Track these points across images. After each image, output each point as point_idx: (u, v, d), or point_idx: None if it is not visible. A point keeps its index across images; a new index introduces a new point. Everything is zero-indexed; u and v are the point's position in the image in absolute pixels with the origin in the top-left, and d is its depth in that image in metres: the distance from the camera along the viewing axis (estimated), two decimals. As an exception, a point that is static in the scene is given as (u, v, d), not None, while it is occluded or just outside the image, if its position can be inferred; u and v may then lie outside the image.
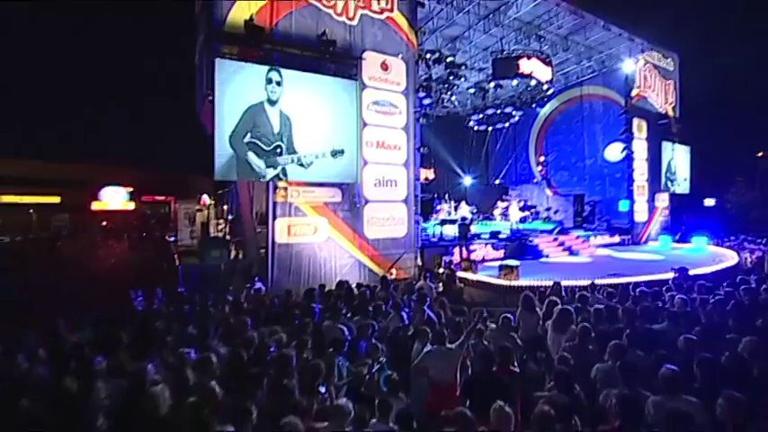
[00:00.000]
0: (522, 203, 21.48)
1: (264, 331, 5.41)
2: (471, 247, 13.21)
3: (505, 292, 9.57)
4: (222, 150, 9.11)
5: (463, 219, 13.49)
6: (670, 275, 9.46)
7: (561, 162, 22.10)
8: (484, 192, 23.99)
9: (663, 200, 20.50)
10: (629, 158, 18.74)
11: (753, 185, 40.88)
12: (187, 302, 7.07)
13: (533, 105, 21.20)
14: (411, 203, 12.07)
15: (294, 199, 10.28)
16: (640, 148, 19.21)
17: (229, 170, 9.30)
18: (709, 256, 14.51)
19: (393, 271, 11.58)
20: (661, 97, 20.47)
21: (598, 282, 8.55)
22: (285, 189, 10.17)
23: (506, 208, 20.82)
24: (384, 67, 11.60)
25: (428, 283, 8.76)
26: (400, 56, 11.82)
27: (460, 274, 10.91)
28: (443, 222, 14.85)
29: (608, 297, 6.59)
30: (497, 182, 24.88)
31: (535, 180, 23.17)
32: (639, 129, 19.24)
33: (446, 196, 21.29)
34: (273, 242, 10.07)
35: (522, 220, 19.71)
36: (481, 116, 21.43)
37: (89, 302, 8.25)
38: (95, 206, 35.24)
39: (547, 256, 13.91)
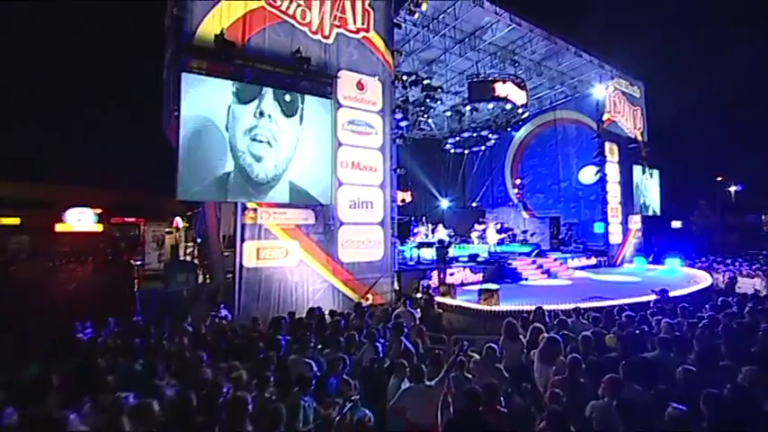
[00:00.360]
0: (499, 226, 21.44)
1: (223, 367, 4.83)
2: (449, 271, 12.85)
3: (486, 318, 9.18)
4: (186, 169, 8.56)
5: (441, 241, 13.17)
6: (651, 298, 9.30)
7: (537, 185, 22.31)
8: (461, 215, 23.91)
9: (636, 222, 20.82)
10: (602, 181, 19.03)
11: (714, 209, 42.60)
12: (140, 334, 6.37)
13: (509, 129, 21.47)
14: (387, 226, 11.69)
15: (264, 221, 9.75)
16: (613, 171, 19.57)
17: (193, 190, 8.74)
18: (683, 277, 14.59)
19: (369, 296, 11.08)
20: (630, 122, 21.08)
21: (582, 306, 8.27)
22: (254, 210, 9.64)
23: (484, 231, 20.71)
24: (360, 86, 11.39)
25: (408, 310, 8.30)
26: (377, 77, 11.67)
27: (439, 299, 10.48)
28: (421, 245, 14.51)
29: (593, 322, 6.28)
30: (474, 205, 24.90)
31: (511, 203, 23.29)
32: (611, 152, 19.65)
33: (423, 219, 21.08)
34: (241, 266, 9.45)
35: (500, 242, 19.59)
36: (458, 139, 21.52)
37: (39, 332, 7.41)
38: (59, 228, 33.45)
39: (526, 279, 13.68)
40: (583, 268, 17.31)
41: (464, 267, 13.33)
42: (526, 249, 19.97)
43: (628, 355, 4.75)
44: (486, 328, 9.09)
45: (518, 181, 22.92)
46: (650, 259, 19.17)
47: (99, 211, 35.18)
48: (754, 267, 16.62)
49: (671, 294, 9.59)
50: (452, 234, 20.58)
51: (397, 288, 11.78)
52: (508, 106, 19.06)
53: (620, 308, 6.88)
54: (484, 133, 20.99)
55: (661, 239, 25.06)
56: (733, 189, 42.85)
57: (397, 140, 12.17)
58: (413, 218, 20.77)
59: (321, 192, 10.29)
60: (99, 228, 35.50)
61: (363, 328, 6.57)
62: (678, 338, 5.10)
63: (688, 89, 33.76)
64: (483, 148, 22.70)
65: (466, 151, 23.13)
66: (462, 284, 13.01)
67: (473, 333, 9.13)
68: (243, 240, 9.49)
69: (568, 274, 15.35)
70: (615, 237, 19.44)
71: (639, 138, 21.54)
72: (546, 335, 5.34)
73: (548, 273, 14.66)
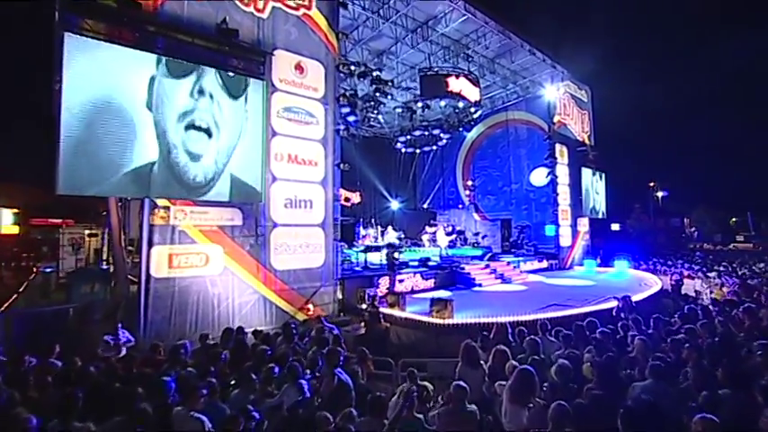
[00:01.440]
0: (450, 228, 20.73)
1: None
2: (399, 278, 11.74)
3: (438, 332, 8.12)
4: (72, 156, 6.79)
5: (390, 245, 12.05)
6: (612, 304, 8.66)
7: (488, 186, 21.86)
8: (412, 216, 23.00)
9: (584, 224, 20.89)
10: (553, 183, 18.83)
11: (647, 212, 45.17)
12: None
13: (460, 129, 20.82)
14: (329, 228, 10.37)
15: (179, 221, 8.10)
16: (563, 173, 19.46)
17: (87, 183, 6.99)
18: (633, 280, 14.47)
19: (310, 306, 9.71)
20: (578, 126, 21.16)
21: (543, 316, 7.42)
22: (166, 209, 7.98)
23: (434, 233, 19.90)
24: (299, 69, 10.01)
25: (326, 327, 7.03)
26: (319, 61, 10.34)
27: (386, 310, 9.31)
28: (368, 249, 13.29)
29: (564, 341, 5.34)
30: (425, 206, 24.10)
31: (462, 205, 22.72)
32: (561, 154, 19.54)
33: (372, 221, 19.93)
34: (149, 276, 7.76)
35: (451, 245, 18.85)
36: (409, 138, 20.59)
37: None
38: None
39: (480, 285, 12.86)
40: (535, 272, 16.90)
41: (414, 273, 12.25)
42: (478, 252, 19.36)
43: (611, 389, 3.82)
44: (439, 343, 8.04)
45: (469, 182, 22.37)
46: (599, 261, 19.21)
47: (16, 210, 30.69)
48: (695, 269, 16.96)
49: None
50: (402, 237, 19.58)
51: (341, 298, 10.48)
52: (461, 104, 18.35)
53: (590, 321, 6.02)
54: (435, 132, 20.21)
55: (603, 242, 25.61)
56: (660, 194, 45.72)
57: (342, 132, 10.89)
58: (361, 219, 19.55)
59: (249, 188, 8.80)
60: (14, 230, 30.92)
61: (289, 356, 5.20)
62: (668, 363, 4.25)
63: (628, 96, 35.19)
64: (434, 147, 21.96)
65: (417, 151, 22.27)
66: (413, 291, 11.96)
67: (423, 350, 8.07)
68: (151, 245, 7.81)
69: (522, 278, 14.77)
70: (565, 239, 19.32)
71: (587, 141, 21.71)
72: (514, 364, 4.29)
73: (501, 277, 13.96)
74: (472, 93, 15.52)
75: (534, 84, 19.05)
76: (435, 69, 15.16)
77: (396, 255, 11.21)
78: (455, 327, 7.97)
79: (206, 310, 8.32)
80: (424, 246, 19.90)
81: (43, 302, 10.61)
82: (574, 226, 19.98)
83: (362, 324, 8.71)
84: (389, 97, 17.54)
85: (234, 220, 8.79)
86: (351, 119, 17.18)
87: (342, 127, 10.93)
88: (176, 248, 8.05)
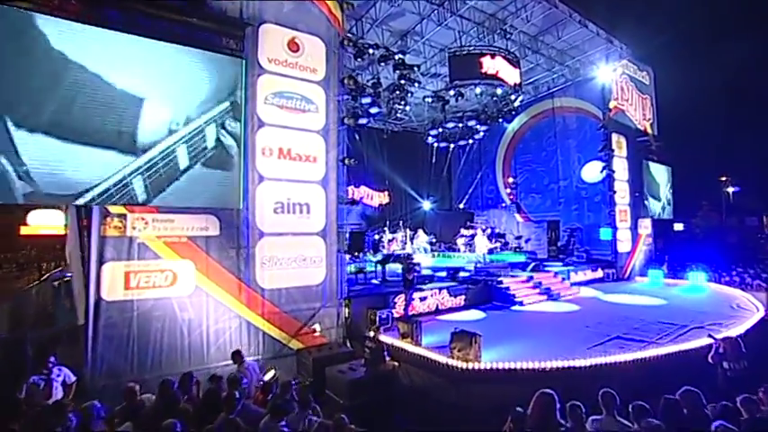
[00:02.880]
0: (489, 231, 18.48)
1: None
2: (420, 295, 9.80)
3: (460, 379, 6.11)
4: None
5: (407, 257, 10.08)
6: (704, 342, 6.30)
7: (532, 184, 19.30)
8: (446, 218, 20.91)
9: (645, 226, 17.92)
10: (609, 179, 16.09)
11: (718, 210, 40.02)
12: None
13: (500, 120, 18.49)
14: (332, 236, 8.61)
15: (138, 232, 6.64)
16: (620, 167, 16.66)
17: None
18: (718, 299, 11.67)
19: (316, 328, 8.06)
20: (639, 112, 18.18)
21: (602, 360, 5.26)
22: (121, 218, 6.53)
23: (471, 237, 17.73)
24: (293, 47, 8.31)
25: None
26: (318, 36, 8.60)
27: (395, 342, 7.42)
28: (386, 259, 11.37)
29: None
30: (461, 206, 21.86)
31: (503, 204, 20.31)
32: (619, 146, 16.75)
33: (400, 223, 18.04)
34: (99, 299, 6.34)
35: (491, 251, 16.65)
36: (441, 131, 18.48)
37: None
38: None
39: (521, 304, 10.64)
40: (588, 283, 14.34)
41: (440, 289, 10.24)
42: (520, 258, 17.06)
43: None
44: (460, 392, 6.06)
45: (510, 180, 19.91)
46: (665, 271, 16.24)
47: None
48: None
49: (723, 335, 6.55)
50: (434, 241, 17.57)
51: (347, 320, 8.70)
52: (498, 91, 16.15)
53: (688, 393, 3.81)
54: (471, 124, 18.00)
55: (667, 245, 22.23)
56: (731, 190, 40.39)
57: (347, 121, 9.02)
58: (385, 224, 17.65)
59: (226, 190, 7.22)
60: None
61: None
62: None
63: (696, 79, 30.83)
64: (470, 141, 19.71)
65: (451, 145, 20.10)
66: (438, 311, 10.00)
67: (441, 397, 6.15)
68: (102, 261, 6.38)
69: (572, 293, 12.34)
70: (624, 244, 16.51)
71: (649, 130, 18.65)
72: None
73: (548, 293, 11.63)
74: (511, 75, 13.26)
75: (585, 64, 16.38)
76: (467, 48, 13.01)
77: (410, 266, 9.22)
78: (481, 373, 5.95)
79: (173, 339, 6.83)
80: (459, 251, 17.84)
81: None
82: (634, 228, 17.11)
83: (363, 362, 6.87)
84: (417, 85, 15.64)
85: (209, 230, 7.23)
86: (373, 111, 15.48)
87: (346, 114, 9.06)
88: (134, 265, 6.59)
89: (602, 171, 16.23)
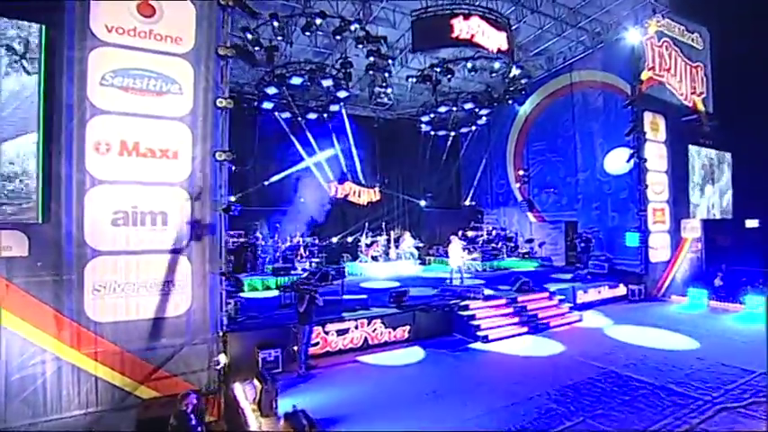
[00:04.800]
0: (488, 234, 15.83)
1: None
2: (339, 326, 7.64)
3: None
4: None
5: (303, 282, 7.72)
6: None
7: (546, 177, 16.17)
8: (446, 217, 18.32)
9: (693, 228, 14.27)
10: (638, 170, 12.77)
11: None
12: None
13: (510, 101, 15.67)
14: (202, 254, 6.69)
15: None
16: (655, 154, 13.24)
17: None
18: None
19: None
20: (686, 85, 14.45)
21: None
22: None
23: (472, 238, 15.28)
24: (146, 10, 6.42)
25: None
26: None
27: (248, 409, 5.38)
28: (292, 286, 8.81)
29: None
30: (468, 204, 19.10)
31: (512, 201, 17.40)
32: (654, 127, 13.33)
33: (384, 225, 15.82)
34: None
35: (488, 258, 14.12)
36: (433, 117, 15.94)
37: None
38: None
39: (484, 339, 8.10)
40: (603, 303, 11.36)
41: (370, 319, 7.98)
42: (531, 266, 14.39)
43: None
44: None
45: (520, 172, 16.90)
46: (716, 287, 12.63)
47: None
48: None
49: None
50: (421, 245, 15.18)
51: (226, 362, 6.77)
52: (497, 65, 13.49)
53: None
54: (468, 107, 15.33)
55: (725, 253, 17.92)
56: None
57: (222, 103, 6.87)
58: (365, 224, 15.41)
59: (22, 197, 5.53)
60: None
61: None
62: None
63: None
64: (474, 128, 16.98)
65: (452, 134, 17.48)
66: (368, 348, 7.82)
67: None
68: None
69: (568, 321, 9.53)
70: (659, 252, 13.10)
71: (701, 107, 14.83)
72: None
73: (531, 323, 8.95)
74: (493, 39, 10.55)
75: (608, 27, 13.13)
76: (434, 10, 10.44)
77: (304, 294, 6.95)
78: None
79: (-46, 392, 5.29)
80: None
81: None
82: (675, 231, 13.62)
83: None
84: (392, 62, 13.39)
85: (12, 250, 5.59)
86: (341, 95, 13.43)
87: (221, 94, 6.84)
88: None
89: (628, 160, 12.93)
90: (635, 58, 12.91)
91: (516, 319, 9.00)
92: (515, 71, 14.05)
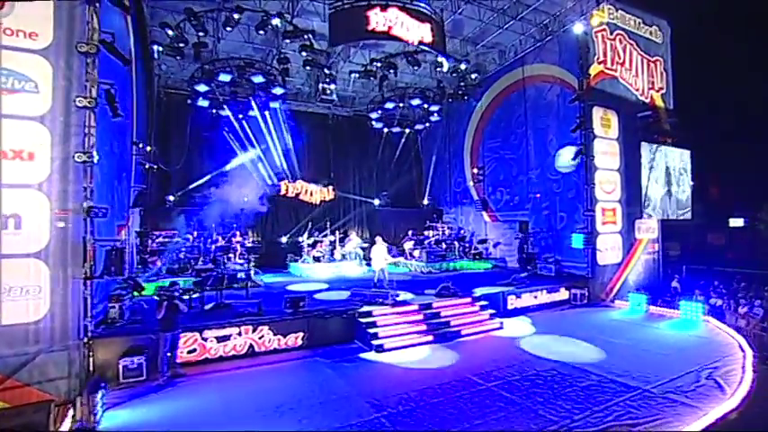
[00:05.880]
0: (442, 234, 15.41)
1: None
2: (220, 332, 7.34)
3: None
4: None
5: (165, 289, 7.18)
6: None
7: (500, 175, 15.66)
8: (401, 217, 17.91)
9: (649, 229, 13.66)
10: (582, 168, 12.25)
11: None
12: None
13: (464, 97, 15.20)
14: (63, 258, 6.43)
15: None
16: (607, 151, 12.68)
17: None
18: (699, 349, 7.91)
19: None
20: (642, 80, 13.82)
21: None
22: None
23: (412, 242, 14.89)
24: (-5, 3, 6.15)
25: None
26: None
27: None
28: (213, 278, 8.85)
29: None
30: (425, 203, 18.67)
31: (466, 200, 16.95)
32: (605, 123, 12.77)
33: (328, 224, 15.46)
34: None
35: (434, 260, 13.76)
36: (381, 114, 15.53)
37: None
38: None
39: (379, 349, 7.70)
40: (538, 309, 10.91)
41: (256, 325, 7.65)
42: (482, 267, 14.02)
43: None
44: None
45: (475, 170, 16.41)
46: (671, 292, 12.10)
47: None
48: None
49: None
50: (365, 246, 14.81)
51: (90, 370, 6.52)
52: (441, 59, 13.07)
53: None
54: (416, 103, 14.90)
55: (692, 256, 17.40)
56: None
57: (84, 102, 6.57)
58: (309, 223, 15.01)
59: None
60: None
61: None
62: None
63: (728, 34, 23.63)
64: (427, 125, 16.54)
65: (407, 130, 17.05)
66: (254, 354, 7.51)
67: None
68: None
69: (484, 329, 9.05)
70: (609, 254, 12.58)
71: (659, 103, 14.19)
72: None
73: (438, 331, 8.52)
74: (413, 31, 10.07)
75: (556, 17, 12.60)
76: (351, 2, 10.01)
77: (163, 300, 6.65)
78: None
79: None
80: (408, 258, 15.00)
81: None
82: (628, 232, 13.06)
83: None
84: (332, 57, 13.05)
85: None
86: (277, 91, 13.13)
87: (85, 93, 6.53)
88: None
89: (574, 158, 12.43)
90: (582, 51, 12.34)
91: (424, 327, 8.59)
92: (462, 66, 13.60)
